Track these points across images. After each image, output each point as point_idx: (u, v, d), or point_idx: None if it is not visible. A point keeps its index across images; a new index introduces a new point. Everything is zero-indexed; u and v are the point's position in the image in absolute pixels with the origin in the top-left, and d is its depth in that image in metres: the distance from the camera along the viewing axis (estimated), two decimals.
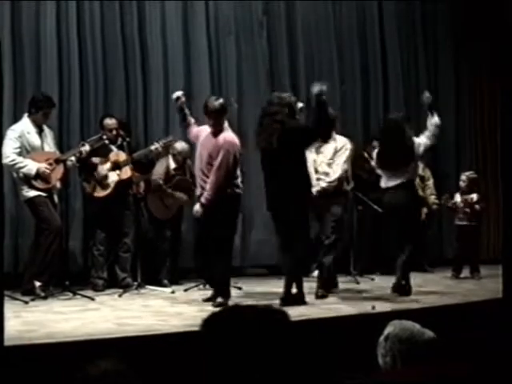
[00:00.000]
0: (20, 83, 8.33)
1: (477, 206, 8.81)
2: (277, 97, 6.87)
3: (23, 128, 7.50)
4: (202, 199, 6.86)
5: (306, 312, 6.14)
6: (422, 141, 7.31)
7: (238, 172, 7.07)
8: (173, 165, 8.41)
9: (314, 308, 6.48)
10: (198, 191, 7.09)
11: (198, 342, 2.12)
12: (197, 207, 6.94)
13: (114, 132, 8.13)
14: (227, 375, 2.03)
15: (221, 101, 7.01)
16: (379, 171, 7.56)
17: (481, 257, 9.32)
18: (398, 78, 10.30)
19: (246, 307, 2.17)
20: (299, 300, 6.66)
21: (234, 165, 6.89)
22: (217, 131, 6.92)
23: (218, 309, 2.22)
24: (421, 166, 9.43)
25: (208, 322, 2.13)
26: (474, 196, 8.87)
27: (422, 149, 7.33)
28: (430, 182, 9.45)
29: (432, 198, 9.33)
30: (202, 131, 7.10)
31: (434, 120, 7.32)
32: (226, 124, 7.04)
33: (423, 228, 8.97)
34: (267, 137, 6.66)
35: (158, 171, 8.34)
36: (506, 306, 5.29)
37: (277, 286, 8.08)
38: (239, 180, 7.05)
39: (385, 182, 7.42)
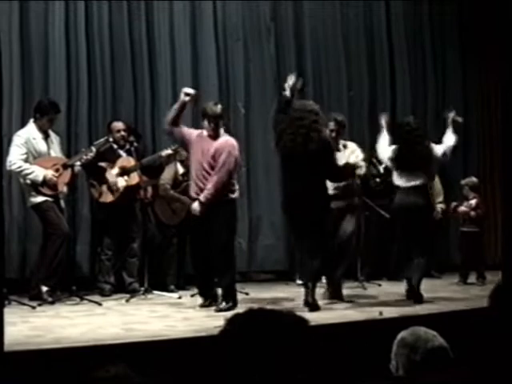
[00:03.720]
0: (28, 87, 8.35)
1: (472, 213, 8.80)
2: (310, 105, 6.99)
3: (29, 134, 7.49)
4: (202, 198, 6.92)
5: (312, 318, 6.12)
6: (440, 149, 7.44)
7: (236, 177, 7.20)
8: (181, 170, 8.41)
9: (321, 314, 6.46)
10: (193, 193, 7.08)
11: (217, 342, 2.13)
12: (195, 205, 6.97)
13: (122, 133, 8.14)
14: (244, 375, 2.04)
15: (220, 106, 7.17)
16: (395, 172, 7.52)
17: (488, 262, 9.30)
18: (405, 81, 10.29)
19: (269, 311, 2.19)
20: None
21: (234, 167, 7.06)
22: (216, 135, 7.06)
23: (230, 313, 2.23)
24: None
25: (232, 321, 2.15)
26: (473, 202, 8.86)
27: (439, 156, 7.43)
28: (439, 189, 9.45)
29: (439, 205, 9.34)
30: (193, 134, 7.15)
31: (453, 138, 7.52)
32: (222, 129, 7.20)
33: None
34: (301, 139, 6.72)
35: (166, 176, 8.34)
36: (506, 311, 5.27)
37: (284, 292, 8.11)
38: (236, 186, 7.17)
39: (400, 181, 7.42)
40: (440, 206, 9.34)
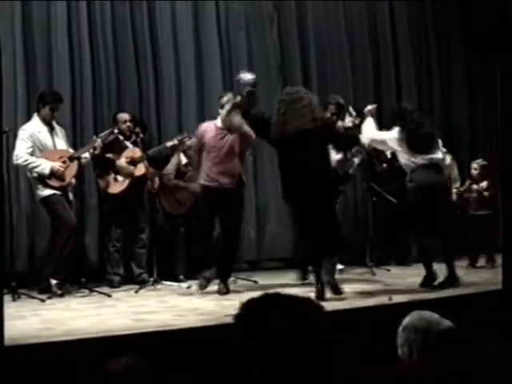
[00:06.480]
0: (32, 82, 8.35)
1: (485, 193, 8.77)
2: (300, 90, 6.81)
3: (34, 127, 7.51)
4: None
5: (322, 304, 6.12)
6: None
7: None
8: (184, 160, 8.41)
9: (331, 300, 6.46)
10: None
11: (233, 327, 2.13)
12: None
13: (128, 124, 8.14)
14: (259, 360, 2.04)
15: None
16: (406, 153, 7.13)
17: (498, 245, 9.28)
18: (410, 75, 10.28)
19: (285, 296, 2.19)
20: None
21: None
22: None
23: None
24: (448, 158, 9.47)
25: (246, 306, 2.15)
26: (484, 183, 8.84)
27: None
28: (455, 175, 9.50)
29: (455, 191, 9.36)
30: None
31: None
32: None
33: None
34: (298, 125, 6.49)
35: (170, 167, 8.35)
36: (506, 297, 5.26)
37: (292, 279, 8.10)
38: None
39: (417, 159, 7.03)
40: (456, 192, 9.35)
